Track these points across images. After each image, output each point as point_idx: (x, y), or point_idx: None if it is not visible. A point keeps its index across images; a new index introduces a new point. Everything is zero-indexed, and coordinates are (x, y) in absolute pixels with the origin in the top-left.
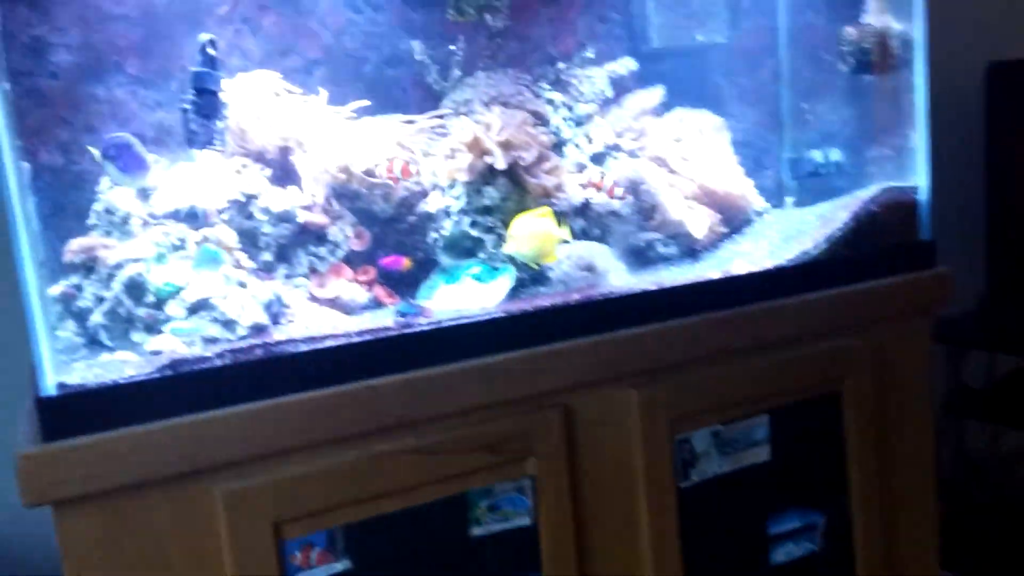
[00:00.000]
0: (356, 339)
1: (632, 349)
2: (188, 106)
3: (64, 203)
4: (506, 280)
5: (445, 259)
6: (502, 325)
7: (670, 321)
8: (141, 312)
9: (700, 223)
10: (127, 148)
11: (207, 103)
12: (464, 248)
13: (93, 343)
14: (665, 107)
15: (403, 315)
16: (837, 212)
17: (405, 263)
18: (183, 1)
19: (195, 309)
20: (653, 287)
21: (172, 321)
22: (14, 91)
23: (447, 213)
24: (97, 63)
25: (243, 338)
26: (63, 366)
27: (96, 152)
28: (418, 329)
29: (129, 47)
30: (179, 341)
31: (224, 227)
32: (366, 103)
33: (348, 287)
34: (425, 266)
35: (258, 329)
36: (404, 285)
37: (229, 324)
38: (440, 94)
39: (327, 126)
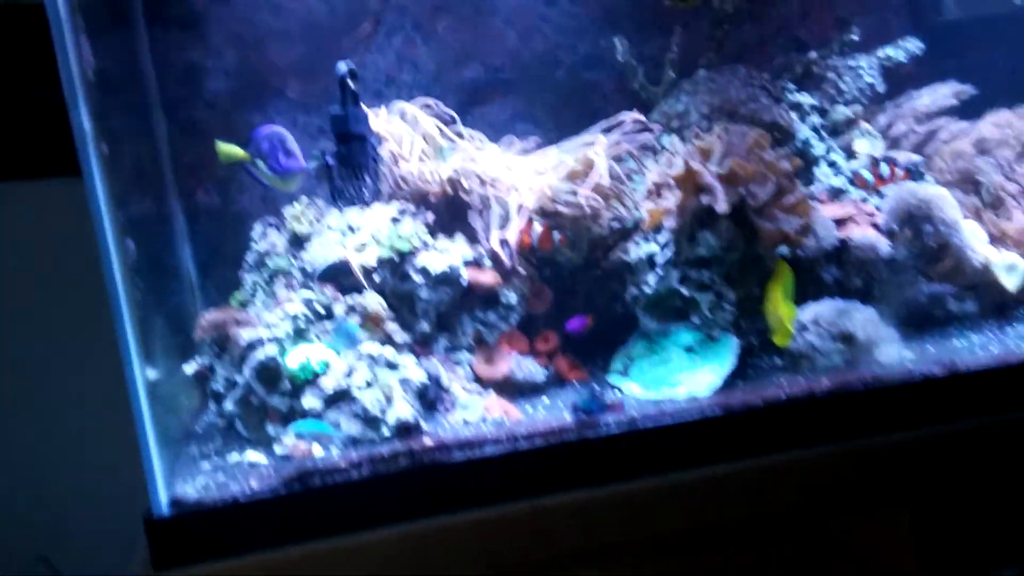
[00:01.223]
0: (524, 445)
1: (906, 460)
2: (330, 160)
3: (222, 248)
4: (728, 357)
5: (647, 321)
6: (721, 425)
7: (966, 420)
8: (275, 402)
9: (1015, 269)
10: (280, 141)
11: (353, 152)
12: (671, 309)
13: (230, 430)
14: (965, 104)
15: (586, 412)
16: None
17: (588, 322)
18: (347, 9)
19: (334, 400)
20: (941, 370)
21: (303, 419)
22: (168, 125)
23: (651, 263)
24: (254, 88)
25: (387, 440)
26: (191, 466)
27: (235, 153)
28: (605, 432)
29: (289, 67)
30: (309, 443)
31: (372, 295)
32: (552, 149)
33: (522, 363)
34: (622, 328)
35: (406, 428)
36: (594, 351)
37: (372, 422)
38: (648, 103)
39: (504, 164)
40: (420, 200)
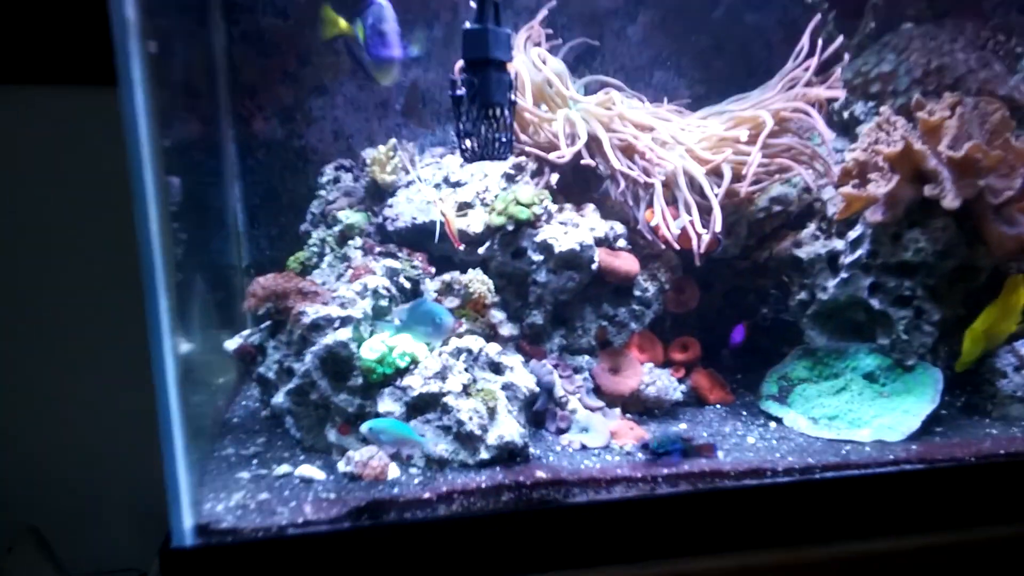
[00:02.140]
0: (665, 489)
1: None
2: (460, 90)
3: (280, 191)
4: (928, 394)
5: (815, 335)
6: (922, 483)
7: None
8: (341, 400)
9: None
10: (378, 21)
11: (489, 83)
12: (850, 323)
13: (277, 428)
14: None
15: (656, 454)
16: None
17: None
18: None
19: (419, 406)
20: None
21: (376, 420)
22: (228, 33)
23: (832, 263)
24: None
25: (486, 465)
26: (225, 474)
27: (337, 24)
28: (771, 480)
29: None
30: (380, 452)
31: (476, 273)
32: (712, 110)
33: (655, 375)
34: (776, 339)
35: (512, 452)
36: (736, 365)
37: (468, 439)
38: (838, 56)
39: (660, 125)
40: (542, 157)
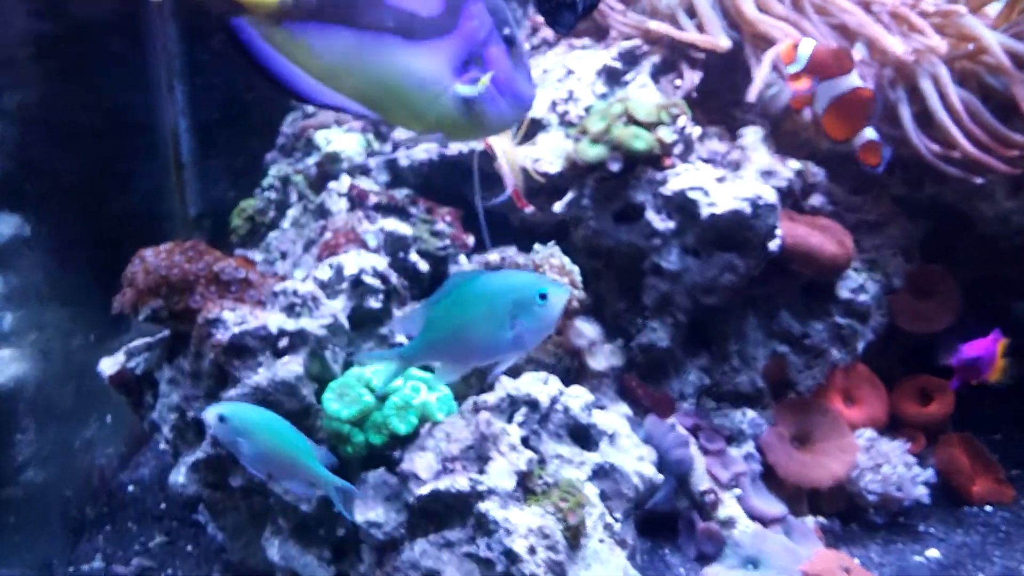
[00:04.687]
0: None
1: None
2: None
3: (244, 99)
4: None
5: None
6: None
7: None
8: (287, 493)
9: None
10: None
11: None
12: None
13: (186, 522)
14: None
15: None
16: None
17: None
18: None
19: (432, 515)
20: None
21: (234, 405)
22: None
23: None
24: None
25: None
26: None
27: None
28: None
29: None
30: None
31: (550, 251)
32: None
33: (881, 450)
34: None
35: None
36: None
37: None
38: None
39: None
40: (669, 45)
